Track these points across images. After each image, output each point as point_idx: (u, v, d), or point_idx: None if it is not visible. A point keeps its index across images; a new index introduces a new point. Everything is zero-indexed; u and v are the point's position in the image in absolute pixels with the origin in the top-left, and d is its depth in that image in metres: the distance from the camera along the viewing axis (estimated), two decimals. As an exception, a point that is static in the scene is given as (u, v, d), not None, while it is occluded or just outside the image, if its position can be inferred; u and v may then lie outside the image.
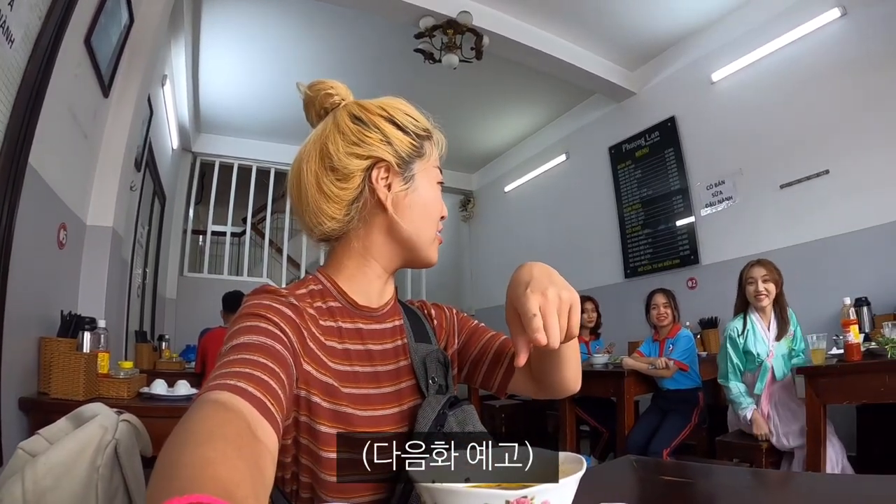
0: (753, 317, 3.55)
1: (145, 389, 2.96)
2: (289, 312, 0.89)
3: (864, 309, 4.16)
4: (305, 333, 0.90)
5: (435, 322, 1.18)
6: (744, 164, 5.43)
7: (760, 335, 3.51)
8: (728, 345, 3.58)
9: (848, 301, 3.03)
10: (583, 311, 5.14)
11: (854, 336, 2.87)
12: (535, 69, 6.05)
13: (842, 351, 3.07)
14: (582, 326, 5.20)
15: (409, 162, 1.02)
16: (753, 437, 3.42)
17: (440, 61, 5.02)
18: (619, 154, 6.80)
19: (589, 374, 4.45)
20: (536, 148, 8.23)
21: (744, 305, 3.61)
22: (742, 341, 3.53)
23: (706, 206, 5.79)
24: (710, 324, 5.41)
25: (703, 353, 4.83)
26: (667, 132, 6.21)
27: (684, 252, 5.99)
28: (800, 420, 3.25)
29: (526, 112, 7.69)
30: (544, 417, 5.43)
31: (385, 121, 1.02)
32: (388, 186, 1.01)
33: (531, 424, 6.05)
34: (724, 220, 5.63)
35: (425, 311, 1.19)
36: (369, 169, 1.00)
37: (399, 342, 1.06)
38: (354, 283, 1.03)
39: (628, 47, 6.12)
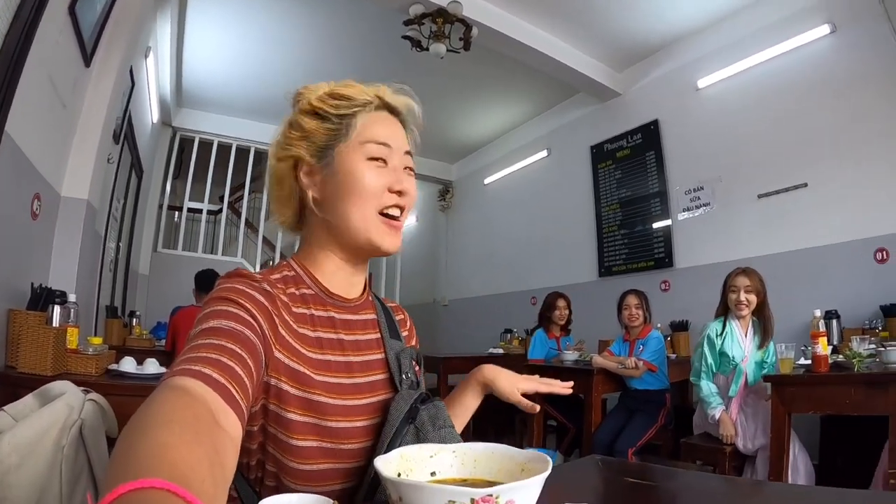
0: (733, 322, 3.60)
1: (114, 366, 2.92)
2: (261, 298, 0.88)
3: (834, 322, 4.25)
4: (277, 320, 0.89)
5: (405, 331, 1.21)
6: (723, 171, 5.47)
7: (738, 339, 3.56)
8: (705, 344, 3.61)
9: (818, 313, 3.07)
10: (555, 308, 5.21)
11: (822, 347, 2.91)
12: (522, 64, 6.03)
13: (810, 361, 3.12)
14: (553, 323, 5.26)
15: (326, 149, 1.00)
16: (718, 440, 3.46)
17: (427, 49, 4.98)
18: (600, 153, 6.82)
19: (558, 371, 4.51)
20: (518, 142, 8.24)
21: (725, 310, 3.65)
22: (720, 343, 3.57)
23: (683, 210, 5.82)
24: (680, 327, 5.44)
25: (673, 356, 4.90)
26: (649, 135, 6.23)
27: (659, 254, 6.03)
28: (765, 425, 3.29)
29: (510, 106, 7.68)
30: (511, 411, 5.45)
31: (307, 115, 1.02)
32: (314, 181, 1.01)
33: (498, 418, 6.07)
34: (700, 226, 5.67)
35: (398, 315, 1.21)
36: (295, 169, 1.02)
37: (372, 335, 1.06)
38: (323, 273, 1.02)
39: (616, 48, 6.12)
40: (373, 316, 1.09)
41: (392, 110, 1.07)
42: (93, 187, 3.65)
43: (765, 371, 3.49)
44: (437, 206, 10.02)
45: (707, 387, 3.57)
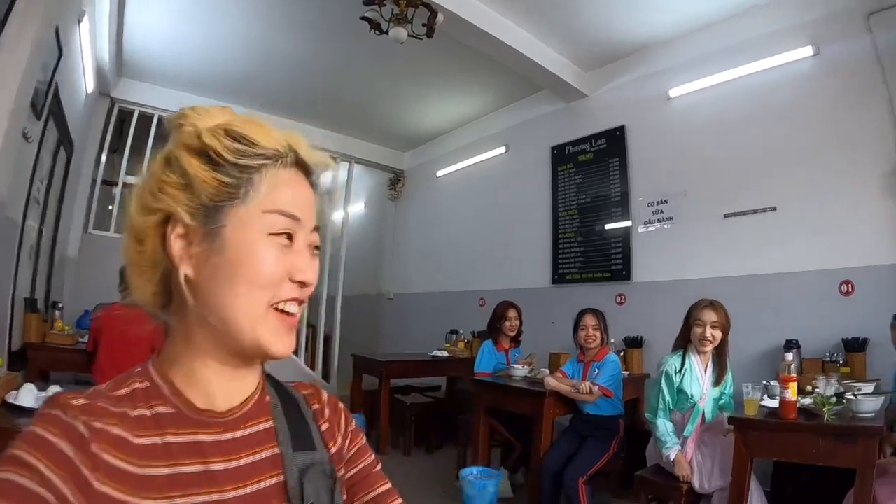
0: (693, 357, 3.44)
1: (12, 395, 2.48)
2: (66, 452, 0.60)
3: (794, 352, 4.13)
4: (91, 476, 0.60)
5: (325, 423, 0.87)
6: (690, 186, 5.34)
7: (697, 377, 3.42)
8: (663, 381, 3.44)
9: (790, 357, 2.93)
10: (505, 319, 4.98)
11: (792, 393, 2.78)
12: (486, 55, 5.70)
13: (774, 404, 2.99)
14: (503, 334, 5.01)
15: (214, 210, 0.71)
16: (673, 477, 3.30)
17: (387, 33, 4.60)
18: (561, 155, 6.59)
19: (507, 390, 4.44)
20: (475, 136, 7.93)
21: (685, 342, 3.47)
22: (678, 380, 3.40)
23: (645, 223, 5.67)
24: (634, 343, 5.32)
25: (626, 373, 4.71)
26: (614, 141, 6.04)
27: (616, 266, 5.86)
28: (722, 464, 3.16)
29: (469, 97, 7.33)
30: (455, 422, 5.23)
31: (192, 154, 0.72)
32: (189, 253, 0.72)
33: (441, 427, 5.84)
34: (661, 240, 5.53)
35: (314, 404, 0.89)
36: (164, 226, 0.72)
37: (266, 453, 0.75)
38: (193, 380, 0.73)
39: (587, 48, 5.88)
40: (267, 424, 0.79)
41: (305, 170, 0.80)
42: (2, 171, 3.18)
43: (722, 402, 3.47)
44: (387, 195, 9.64)
45: (664, 426, 3.40)
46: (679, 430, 3.40)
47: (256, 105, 6.92)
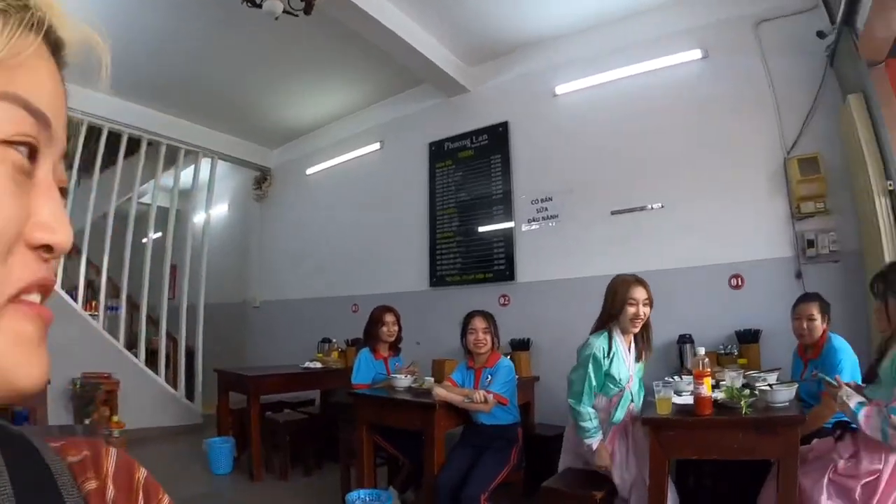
0: (617, 338, 3.23)
1: None
2: None
3: (688, 346, 4.38)
4: None
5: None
6: (576, 183, 5.29)
7: (623, 358, 3.22)
8: (591, 365, 3.16)
9: (702, 351, 2.81)
10: (382, 324, 4.55)
11: (707, 389, 2.66)
12: (365, 41, 5.31)
13: (688, 401, 2.88)
14: (381, 341, 4.59)
15: None
16: (585, 484, 3.09)
17: (260, 6, 4.12)
18: (440, 152, 6.33)
19: (391, 403, 4.02)
20: (349, 131, 7.49)
21: (606, 323, 3.26)
22: (607, 364, 3.18)
23: (528, 221, 5.54)
24: (521, 345, 5.15)
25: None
26: (497, 137, 5.87)
27: (499, 266, 5.68)
28: (636, 454, 3.08)
29: (345, 89, 6.89)
30: (335, 440, 4.77)
31: None
32: None
33: (319, 446, 5.34)
34: (545, 239, 5.43)
35: (86, 481, 0.48)
36: None
37: None
38: None
39: (472, 41, 5.69)
40: None
41: (58, 50, 0.43)
42: None
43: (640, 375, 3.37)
44: (252, 195, 8.93)
45: (587, 412, 3.13)
46: (604, 416, 3.20)
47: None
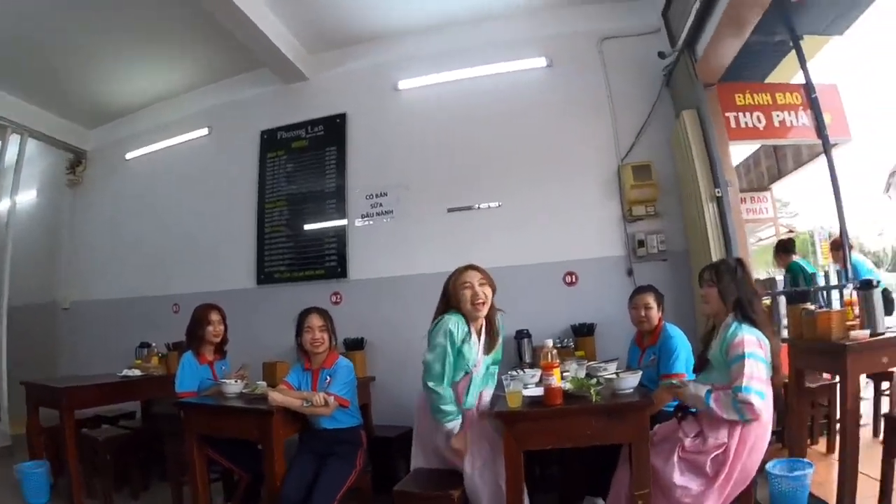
0: (469, 324, 3.12)
1: None
2: None
3: (525, 341, 4.61)
4: None
5: None
6: (413, 180, 5.27)
7: (474, 343, 3.11)
8: (448, 341, 3.01)
9: (550, 343, 2.78)
10: (207, 323, 4.08)
11: (557, 380, 2.70)
12: (205, 13, 4.84)
13: (536, 393, 2.87)
14: (205, 343, 4.11)
15: None
16: (439, 484, 2.98)
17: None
18: (272, 141, 5.91)
19: (223, 411, 3.58)
20: (176, 113, 6.79)
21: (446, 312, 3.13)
22: (460, 340, 3.04)
23: (362, 216, 5.36)
24: (356, 345, 4.95)
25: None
26: (334, 128, 5.61)
27: (331, 263, 5.41)
28: (491, 450, 3.01)
29: (175, 66, 6.23)
30: (162, 455, 4.22)
31: None
32: None
33: (146, 463, 4.70)
34: (380, 235, 5.30)
35: None
36: None
37: None
38: None
39: (317, 26, 5.49)
40: None
41: None
42: None
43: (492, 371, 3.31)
44: (64, 181, 7.81)
45: (449, 395, 3.00)
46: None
47: None
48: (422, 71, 5.41)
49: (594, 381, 2.88)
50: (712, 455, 2.64)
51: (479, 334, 3.16)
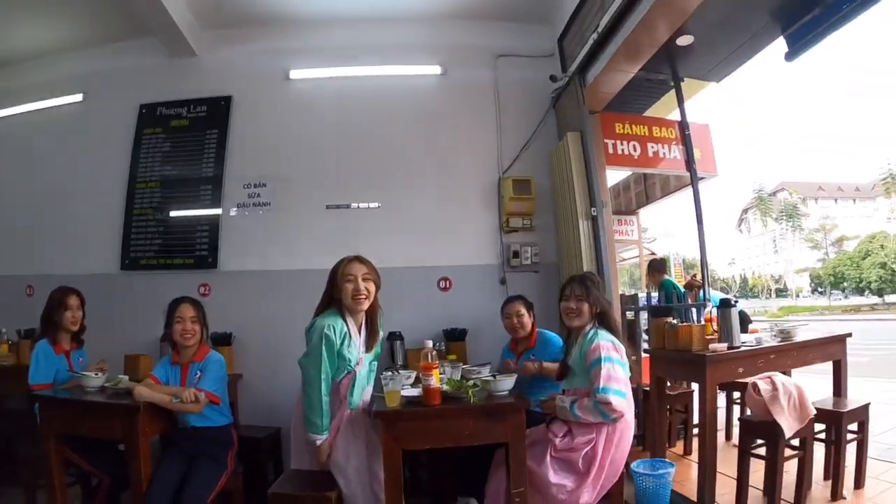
0: (349, 319, 3.06)
1: None
2: None
3: (398, 343, 4.67)
4: None
5: None
6: (294, 173, 5.17)
7: (354, 340, 3.07)
8: (324, 346, 2.92)
9: (430, 344, 2.86)
10: (65, 308, 3.76)
11: (436, 380, 2.76)
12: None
13: (412, 393, 2.95)
14: (62, 330, 3.80)
15: None
16: (316, 486, 2.91)
17: None
18: (151, 116, 5.52)
19: (83, 407, 3.30)
20: (46, 74, 6.11)
21: (329, 307, 3.08)
22: (338, 343, 2.96)
23: (238, 206, 5.16)
24: (223, 339, 4.72)
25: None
26: (217, 111, 5.35)
27: (202, 252, 5.14)
28: (367, 452, 3.02)
29: (51, 23, 5.61)
30: (13, 458, 3.83)
31: None
32: None
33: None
34: (255, 226, 5.12)
35: None
36: None
37: None
38: None
39: (212, 2, 5.18)
40: None
41: None
42: None
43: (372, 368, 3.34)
44: None
45: (323, 405, 2.92)
46: (332, 396, 3.00)
47: None
48: (316, 63, 5.32)
49: (471, 382, 2.92)
50: (583, 452, 2.81)
51: (359, 330, 3.11)
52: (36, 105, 6.04)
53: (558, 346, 3.63)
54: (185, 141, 5.36)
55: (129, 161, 5.49)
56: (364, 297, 3.03)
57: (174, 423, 3.32)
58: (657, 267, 6.65)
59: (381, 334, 3.27)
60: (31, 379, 3.59)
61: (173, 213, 5.29)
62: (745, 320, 4.71)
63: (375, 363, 3.35)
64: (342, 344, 2.98)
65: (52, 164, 5.83)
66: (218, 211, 5.18)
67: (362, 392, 3.12)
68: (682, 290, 6.19)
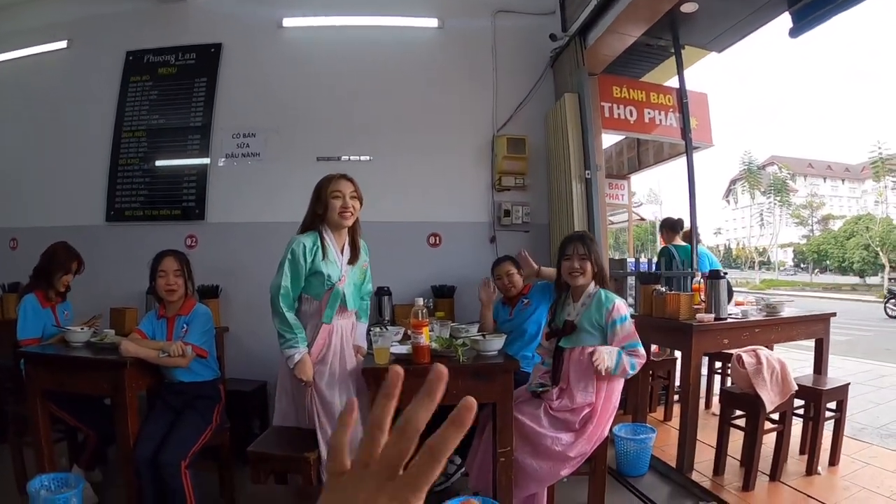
0: (328, 236, 3.03)
1: None
2: None
3: (386, 298, 4.65)
4: None
5: None
6: (285, 123, 5.06)
7: (334, 256, 3.01)
8: (288, 260, 2.90)
9: (421, 301, 2.80)
10: (66, 272, 3.77)
11: (426, 338, 2.73)
12: None
13: (401, 350, 2.95)
14: (53, 287, 3.74)
15: None
16: (295, 446, 2.84)
17: None
18: (138, 64, 5.35)
19: (70, 363, 3.24)
20: (29, 21, 5.85)
21: (313, 225, 3.05)
22: (310, 259, 2.92)
23: (227, 156, 5.05)
24: (210, 292, 4.67)
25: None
26: (207, 59, 5.19)
27: (189, 203, 5.06)
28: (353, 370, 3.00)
29: None
30: (2, 415, 3.75)
31: None
32: None
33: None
34: (243, 177, 5.03)
35: None
36: None
37: None
38: None
39: None
40: None
41: None
42: None
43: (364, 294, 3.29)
44: None
45: (288, 317, 2.89)
46: (316, 319, 2.97)
47: None
48: (310, 11, 5.16)
49: (460, 341, 2.92)
50: (581, 414, 2.84)
51: (342, 248, 3.07)
52: (18, 52, 5.83)
53: (548, 289, 3.72)
54: (172, 89, 5.21)
55: (115, 110, 5.34)
56: (350, 213, 3.01)
57: (161, 377, 3.29)
58: (672, 226, 6.10)
59: (365, 254, 3.23)
60: (20, 334, 3.53)
61: (160, 164, 5.16)
62: (728, 291, 4.71)
63: (368, 289, 3.31)
64: (315, 259, 2.94)
65: (35, 113, 5.65)
66: (206, 161, 5.06)
67: (336, 307, 3.01)
68: (681, 258, 5.85)
